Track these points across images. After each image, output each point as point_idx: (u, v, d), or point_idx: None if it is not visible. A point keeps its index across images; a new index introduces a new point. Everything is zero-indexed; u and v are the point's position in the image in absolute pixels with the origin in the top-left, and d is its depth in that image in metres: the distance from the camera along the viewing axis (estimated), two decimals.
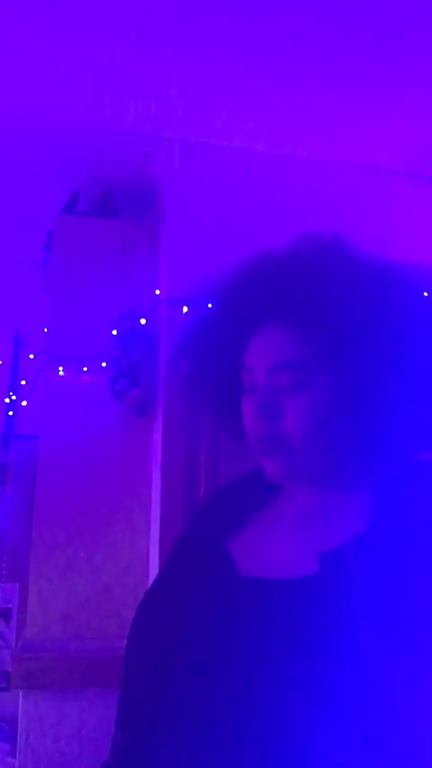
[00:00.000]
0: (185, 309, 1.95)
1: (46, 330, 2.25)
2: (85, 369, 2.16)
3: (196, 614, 0.73)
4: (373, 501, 0.74)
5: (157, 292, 2.16)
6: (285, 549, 0.77)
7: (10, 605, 2.38)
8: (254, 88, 2.00)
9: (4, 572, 2.44)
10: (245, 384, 0.83)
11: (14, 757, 1.87)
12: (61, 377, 2.16)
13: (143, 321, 2.13)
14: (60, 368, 2.16)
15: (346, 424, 0.77)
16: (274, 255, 0.85)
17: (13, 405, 2.51)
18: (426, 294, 0.82)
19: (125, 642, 0.82)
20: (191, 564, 0.82)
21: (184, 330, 0.95)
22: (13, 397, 2.53)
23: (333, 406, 0.77)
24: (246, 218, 2.17)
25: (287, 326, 0.79)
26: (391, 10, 1.70)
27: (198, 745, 0.66)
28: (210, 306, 0.90)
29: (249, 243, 0.91)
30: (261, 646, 0.66)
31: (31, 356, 2.34)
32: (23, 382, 2.46)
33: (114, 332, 2.16)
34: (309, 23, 1.75)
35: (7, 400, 2.54)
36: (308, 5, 1.70)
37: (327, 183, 2.29)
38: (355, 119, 2.13)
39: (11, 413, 2.53)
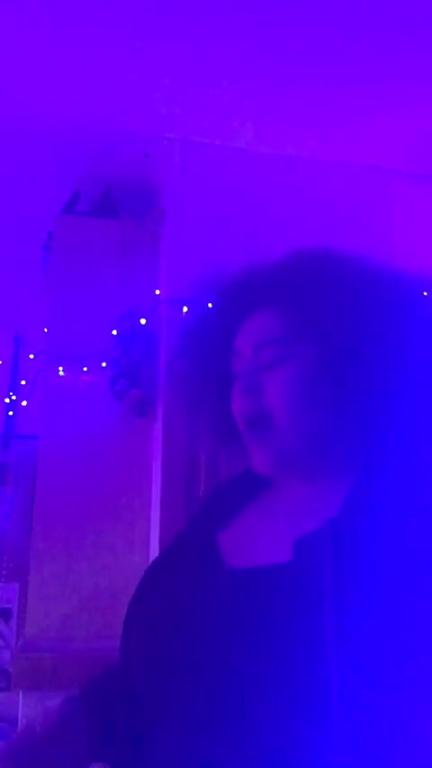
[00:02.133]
0: (185, 309, 1.95)
1: (46, 330, 2.25)
2: (85, 369, 2.16)
3: (185, 608, 0.74)
4: (352, 486, 0.74)
5: (157, 292, 2.16)
6: (266, 538, 0.78)
7: (10, 605, 2.38)
8: (254, 88, 2.00)
9: (4, 572, 2.44)
10: (235, 371, 0.84)
11: None
12: (61, 377, 2.16)
13: (143, 321, 2.13)
14: (60, 368, 2.16)
15: (327, 405, 0.78)
16: (263, 257, 0.88)
17: (13, 405, 2.52)
18: (421, 292, 0.83)
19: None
20: (182, 558, 0.83)
21: (181, 329, 0.98)
22: (13, 397, 2.53)
23: (314, 384, 0.78)
24: (245, 218, 2.17)
25: (272, 309, 0.82)
26: (390, 10, 1.70)
27: (190, 739, 0.67)
28: (204, 304, 0.92)
29: (249, 243, 0.93)
30: (240, 635, 0.66)
31: (31, 356, 2.34)
32: (23, 382, 2.46)
33: (114, 332, 2.16)
34: (309, 24, 1.75)
35: (7, 400, 2.54)
36: (308, 6, 1.70)
37: (327, 183, 2.29)
38: (355, 119, 2.13)
39: (11, 413, 2.53)
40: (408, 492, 0.70)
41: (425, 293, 0.83)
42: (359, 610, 0.62)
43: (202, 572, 0.77)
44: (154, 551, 2.02)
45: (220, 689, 0.66)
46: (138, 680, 0.76)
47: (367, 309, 0.76)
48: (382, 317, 0.76)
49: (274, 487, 0.86)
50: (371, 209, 2.29)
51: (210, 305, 0.92)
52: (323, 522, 0.70)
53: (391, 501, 0.69)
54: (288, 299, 0.81)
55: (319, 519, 0.71)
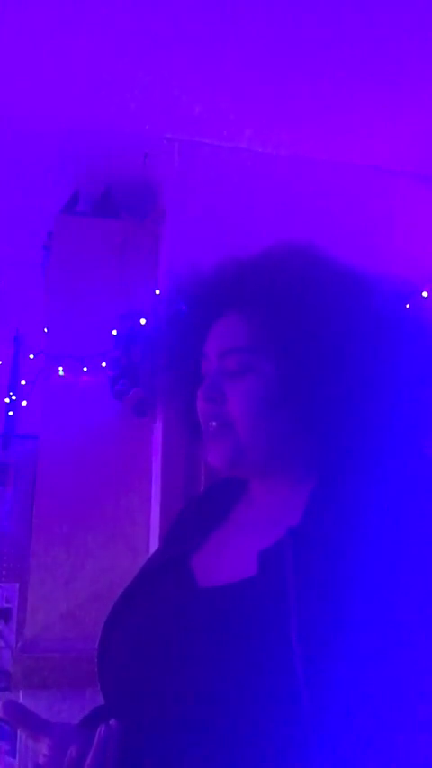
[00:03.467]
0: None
1: (46, 330, 2.25)
2: (85, 369, 2.16)
3: (161, 631, 0.74)
4: (311, 493, 0.74)
5: (158, 292, 2.16)
6: (234, 554, 0.78)
7: (10, 605, 2.38)
8: (254, 88, 2.00)
9: (4, 572, 2.44)
10: (203, 373, 0.84)
11: (14, 757, 1.88)
12: (61, 377, 2.16)
13: (143, 321, 2.13)
14: (60, 368, 2.16)
15: (288, 414, 0.78)
16: (237, 257, 0.88)
17: (13, 405, 2.52)
18: (394, 308, 0.83)
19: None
20: (156, 581, 0.83)
21: (156, 326, 0.99)
22: (13, 397, 2.53)
23: (276, 394, 0.77)
24: (245, 218, 2.17)
25: (241, 314, 0.82)
26: (390, 10, 1.70)
27: (170, 757, 0.67)
28: (177, 304, 0.92)
29: (249, 243, 0.92)
30: (216, 654, 0.66)
31: (31, 356, 2.34)
32: (23, 382, 2.46)
33: (114, 332, 2.16)
34: (308, 24, 1.75)
35: (7, 400, 2.54)
36: (308, 6, 1.70)
37: (327, 183, 2.29)
38: (355, 119, 2.13)
39: (11, 413, 2.53)
40: (366, 496, 0.70)
41: (399, 308, 0.83)
42: (324, 616, 0.62)
43: (176, 593, 0.77)
44: (153, 551, 2.01)
45: (195, 709, 0.65)
46: (115, 705, 0.76)
47: (335, 327, 0.76)
48: (348, 335, 0.76)
49: (244, 499, 0.86)
50: (371, 209, 2.29)
51: (181, 307, 0.92)
52: (285, 531, 0.70)
53: (350, 506, 0.69)
54: (257, 305, 0.80)
55: (281, 528, 0.71)
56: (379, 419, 0.75)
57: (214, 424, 0.80)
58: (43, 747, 0.70)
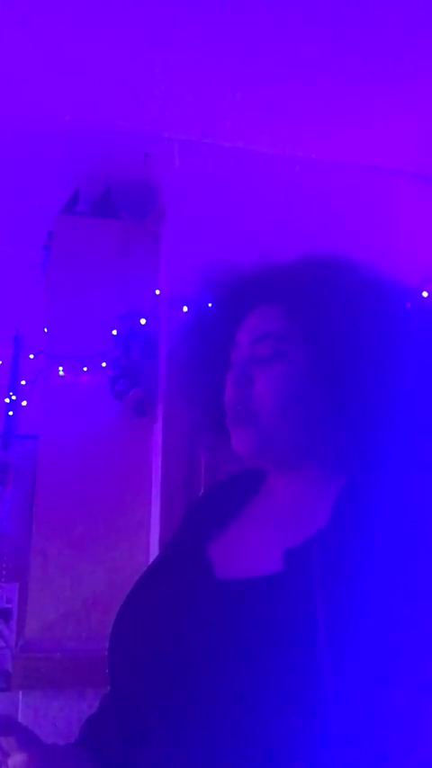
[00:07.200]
0: (185, 309, 1.95)
1: (46, 330, 2.25)
2: (85, 369, 2.16)
3: (175, 619, 0.73)
4: (340, 492, 0.74)
5: (157, 292, 2.16)
6: (257, 548, 0.77)
7: (10, 605, 2.38)
8: (254, 88, 2.00)
9: (4, 572, 2.43)
10: (232, 362, 0.84)
11: None
12: (61, 377, 2.16)
13: (143, 321, 2.13)
14: (60, 368, 2.16)
15: (315, 406, 0.78)
16: (272, 256, 0.89)
17: (13, 405, 2.51)
18: (415, 303, 0.84)
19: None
20: (173, 569, 0.83)
21: (186, 320, 1.00)
22: (13, 397, 2.52)
23: (305, 384, 0.78)
24: (246, 218, 2.17)
25: (275, 305, 0.82)
26: (390, 10, 1.70)
27: (180, 753, 0.67)
28: (207, 297, 0.92)
29: (249, 243, 0.92)
30: (232, 646, 0.66)
31: (31, 356, 2.34)
32: (23, 382, 2.46)
33: (114, 332, 2.16)
34: (309, 24, 1.75)
35: (7, 400, 2.54)
36: (308, 6, 1.70)
37: (327, 183, 2.29)
38: (355, 119, 2.13)
39: (11, 413, 2.53)
40: (395, 499, 0.69)
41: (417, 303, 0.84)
42: (350, 619, 0.62)
43: (193, 583, 0.77)
44: (154, 551, 2.01)
45: (210, 700, 0.65)
46: (127, 692, 0.76)
47: (368, 319, 0.77)
48: (380, 328, 0.76)
49: (263, 491, 0.86)
50: (371, 209, 2.29)
51: (214, 299, 0.92)
52: (313, 531, 0.70)
53: (379, 508, 0.69)
54: (292, 297, 0.81)
55: (308, 528, 0.71)
56: (411, 417, 0.75)
57: (240, 408, 0.79)
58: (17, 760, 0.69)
